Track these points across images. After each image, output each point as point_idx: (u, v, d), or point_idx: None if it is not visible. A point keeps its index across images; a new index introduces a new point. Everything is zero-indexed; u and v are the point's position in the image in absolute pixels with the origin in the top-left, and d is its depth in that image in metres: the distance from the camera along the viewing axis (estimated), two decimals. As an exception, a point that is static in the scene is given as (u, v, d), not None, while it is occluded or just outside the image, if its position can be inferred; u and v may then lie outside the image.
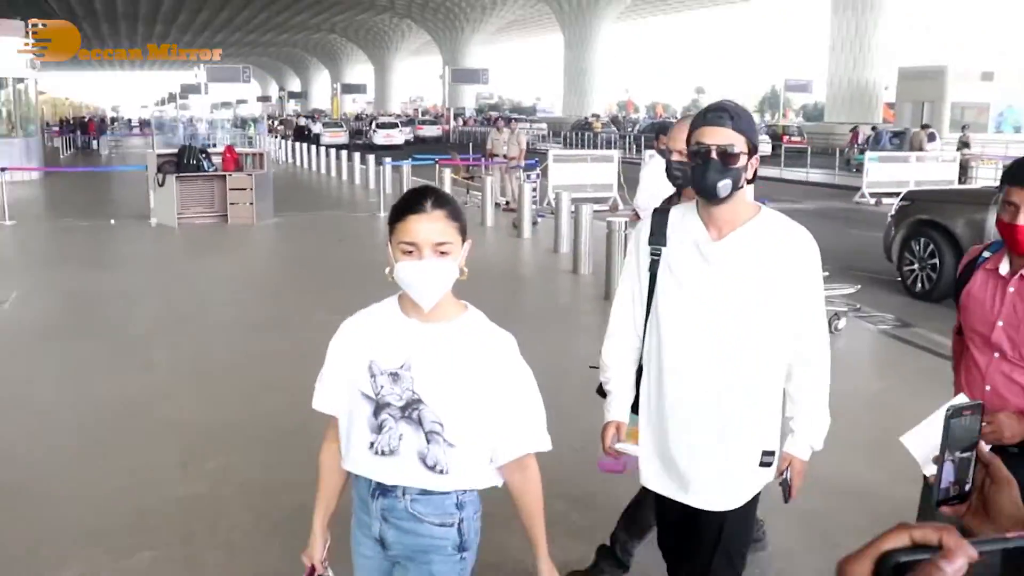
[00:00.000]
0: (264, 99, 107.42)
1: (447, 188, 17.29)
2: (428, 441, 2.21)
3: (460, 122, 58.53)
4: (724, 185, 2.57)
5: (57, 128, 46.09)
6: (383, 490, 2.26)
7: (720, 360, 2.70)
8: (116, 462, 5.15)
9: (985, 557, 0.61)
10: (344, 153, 26.29)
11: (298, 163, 31.82)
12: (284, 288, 10.29)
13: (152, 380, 6.65)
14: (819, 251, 2.71)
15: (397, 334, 2.24)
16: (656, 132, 9.83)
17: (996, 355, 2.90)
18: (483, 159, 20.44)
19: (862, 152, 24.67)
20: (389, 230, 2.19)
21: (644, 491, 3.24)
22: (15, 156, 22.54)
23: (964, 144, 26.34)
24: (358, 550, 2.39)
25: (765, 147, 32.63)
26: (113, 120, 67.57)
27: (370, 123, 50.37)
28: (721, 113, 2.59)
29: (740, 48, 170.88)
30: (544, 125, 53.89)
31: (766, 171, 14.94)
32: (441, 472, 2.22)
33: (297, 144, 34.36)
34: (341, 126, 51.55)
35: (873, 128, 33.93)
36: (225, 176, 15.78)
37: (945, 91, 37.82)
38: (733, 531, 2.90)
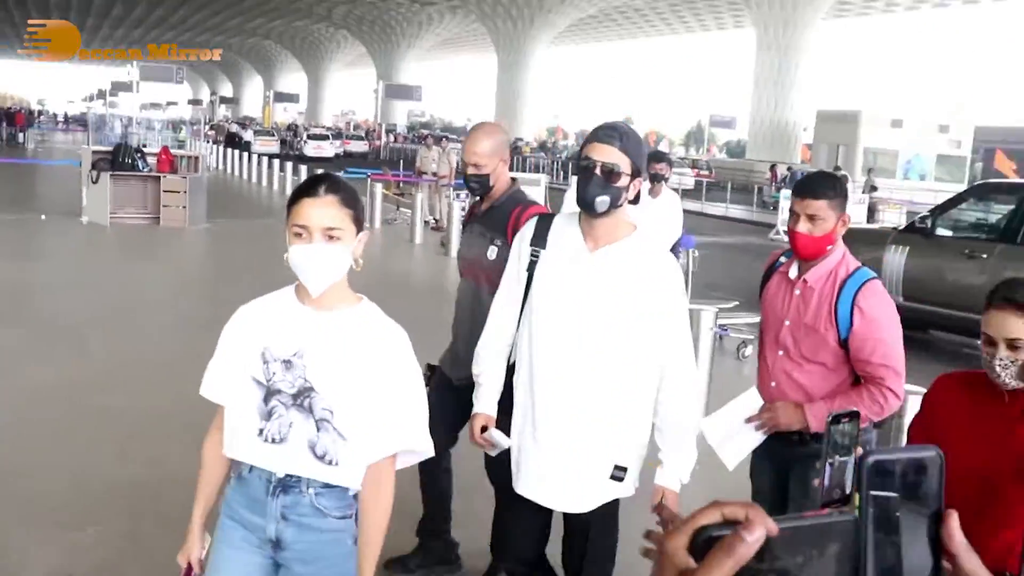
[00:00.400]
0: (195, 102, 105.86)
1: (378, 203, 17.66)
2: (318, 429, 2.18)
3: (391, 138, 58.74)
4: (602, 201, 2.73)
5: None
6: (284, 487, 2.22)
7: (582, 366, 2.83)
8: (54, 444, 5.37)
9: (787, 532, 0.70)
10: (276, 162, 26.41)
11: (229, 170, 31.80)
12: (215, 289, 10.36)
13: (84, 369, 6.86)
14: (683, 279, 2.97)
15: (291, 321, 2.23)
16: (650, 159, 9.74)
17: (781, 352, 3.22)
18: (413, 176, 20.82)
19: (779, 190, 25.74)
20: (286, 214, 2.21)
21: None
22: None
23: (872, 187, 27.62)
24: (231, 555, 2.30)
25: (688, 180, 33.76)
26: (39, 114, 66.17)
27: (300, 133, 50.44)
28: (612, 132, 2.77)
29: (669, 80, 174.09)
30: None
31: (689, 204, 15.66)
32: (331, 463, 2.19)
33: (228, 150, 34.30)
34: (273, 135, 51.35)
35: (789, 168, 35.14)
36: (160, 177, 15.90)
37: (858, 135, 39.18)
38: (595, 536, 3.10)
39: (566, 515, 3.11)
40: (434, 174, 19.14)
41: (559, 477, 2.92)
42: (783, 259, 3.32)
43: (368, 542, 2.24)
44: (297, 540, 2.24)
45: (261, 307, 2.32)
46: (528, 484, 2.99)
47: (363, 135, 57.97)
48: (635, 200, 2.86)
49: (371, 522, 2.24)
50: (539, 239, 2.96)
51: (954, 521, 0.73)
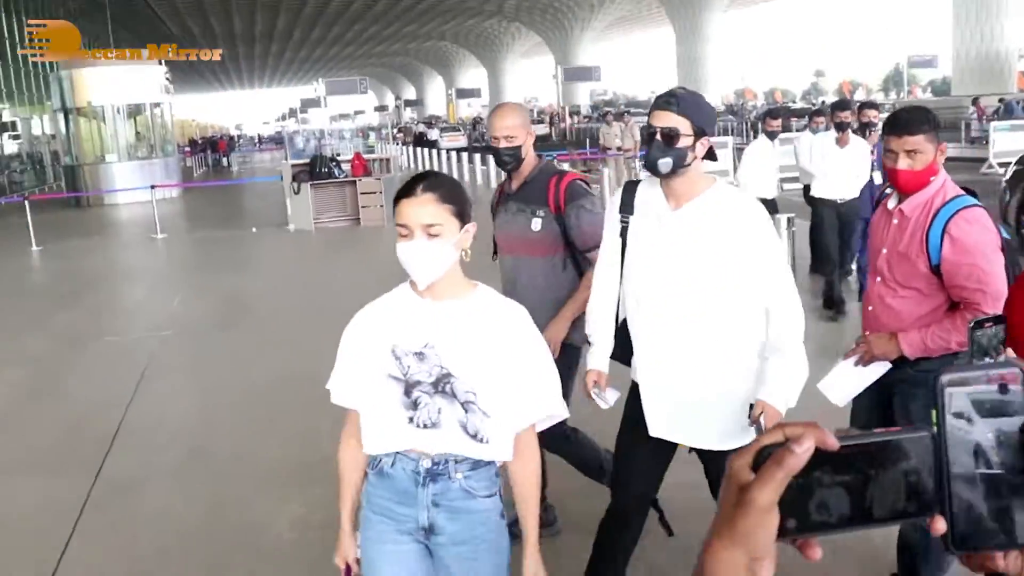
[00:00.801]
0: (381, 108, 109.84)
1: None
2: (465, 411, 2.27)
3: (575, 119, 58.96)
4: (665, 163, 2.87)
5: (188, 148, 48.67)
6: (433, 476, 2.29)
7: (686, 318, 2.96)
8: (280, 427, 5.92)
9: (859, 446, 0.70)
10: (464, 155, 27.04)
11: (420, 167, 32.84)
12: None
13: (301, 363, 7.31)
14: (769, 217, 3.02)
15: (414, 316, 2.31)
16: (764, 116, 10.36)
17: (878, 279, 3.32)
18: (598, 152, 20.86)
19: (989, 123, 24.06)
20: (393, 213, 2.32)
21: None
22: (157, 175, 24.17)
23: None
24: (387, 549, 2.38)
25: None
26: (238, 138, 70.79)
27: (475, 127, 51.44)
28: (670, 99, 2.90)
29: (860, 27, 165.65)
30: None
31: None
32: (483, 441, 2.28)
33: (417, 149, 35.43)
34: (459, 130, 52.66)
35: (1000, 100, 32.79)
36: (355, 181, 16.68)
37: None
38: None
39: (704, 455, 3.20)
40: (618, 148, 19.10)
41: (689, 416, 3.06)
42: (888, 191, 3.41)
43: (527, 505, 2.40)
44: (449, 524, 2.31)
45: (379, 308, 2.40)
46: (659, 424, 3.11)
47: (540, 119, 58.41)
48: (710, 156, 2.97)
49: (526, 487, 2.40)
50: (626, 206, 3.12)
51: None
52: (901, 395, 3.26)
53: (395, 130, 57.18)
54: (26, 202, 17.28)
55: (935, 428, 0.71)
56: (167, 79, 28.48)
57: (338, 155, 20.13)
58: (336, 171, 16.87)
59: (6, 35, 36.88)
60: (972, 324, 1.02)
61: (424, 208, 2.23)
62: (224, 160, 45.62)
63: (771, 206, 8.30)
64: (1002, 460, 0.71)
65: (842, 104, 8.63)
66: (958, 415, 0.71)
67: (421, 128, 55.56)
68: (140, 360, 7.80)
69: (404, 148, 39.26)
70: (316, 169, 16.72)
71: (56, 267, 14.63)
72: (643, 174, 3.18)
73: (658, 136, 2.88)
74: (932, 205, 3.17)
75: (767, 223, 2.97)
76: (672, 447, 3.18)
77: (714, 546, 0.71)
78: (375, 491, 2.38)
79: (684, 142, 2.87)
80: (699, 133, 2.89)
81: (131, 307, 11.08)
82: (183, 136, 62.19)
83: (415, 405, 2.27)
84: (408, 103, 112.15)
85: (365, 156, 19.18)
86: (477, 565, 2.36)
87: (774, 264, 2.98)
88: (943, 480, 0.71)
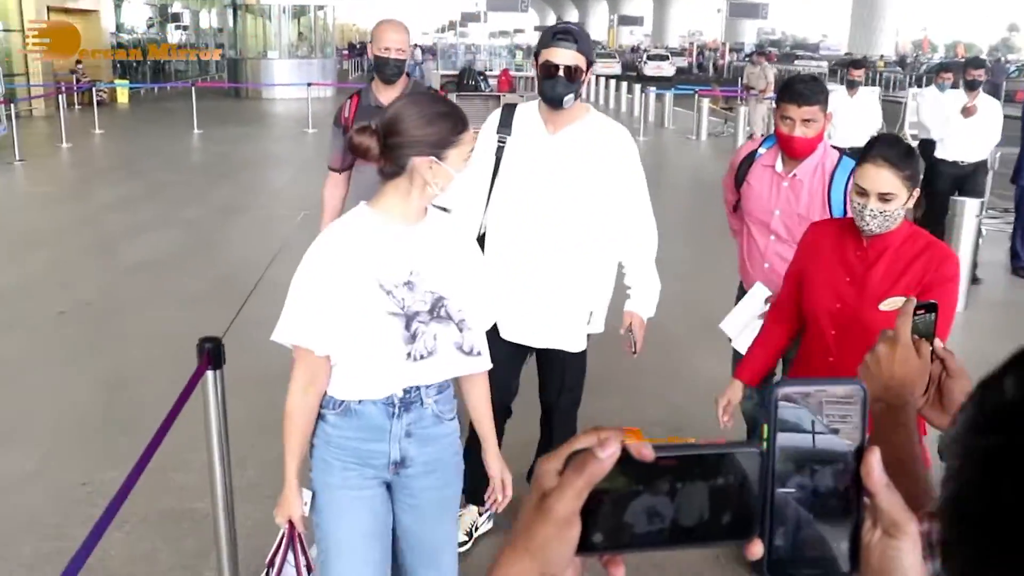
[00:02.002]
0: (541, 28, 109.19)
1: (704, 118, 17.92)
2: (460, 330, 2.28)
3: (735, 57, 57.65)
4: (569, 98, 3.11)
5: (346, 51, 49.99)
6: (406, 404, 2.26)
7: (551, 228, 3.21)
8: None
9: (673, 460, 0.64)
10: (613, 82, 27.18)
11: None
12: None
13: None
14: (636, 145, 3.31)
15: (389, 244, 2.22)
16: (937, 70, 10.08)
17: (772, 238, 3.48)
18: (741, 91, 20.73)
19: None
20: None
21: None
22: (314, 74, 25.30)
23: None
24: (348, 495, 2.30)
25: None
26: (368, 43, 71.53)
27: (641, 55, 51.10)
28: (567, 36, 3.11)
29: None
30: (824, 63, 51.99)
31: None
32: (479, 354, 2.33)
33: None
34: (613, 56, 52.33)
35: None
36: (500, 96, 17.26)
37: None
38: (573, 368, 3.49)
39: (545, 354, 3.45)
40: (751, 88, 18.95)
41: (544, 322, 3.31)
42: (761, 150, 3.54)
43: (485, 411, 2.49)
44: (420, 453, 2.31)
45: (343, 239, 2.22)
46: (513, 329, 3.33)
47: (679, 53, 57.53)
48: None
49: (483, 394, 2.48)
50: (504, 126, 3.29)
51: (874, 457, 0.68)
52: None
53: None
54: (192, 89, 18.74)
55: (764, 444, 0.67)
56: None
57: (488, 70, 20.70)
58: (483, 84, 17.49)
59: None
60: (917, 306, 1.24)
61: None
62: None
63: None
64: (829, 484, 0.68)
65: (975, 62, 8.38)
66: (790, 431, 0.67)
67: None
68: (281, 231, 8.71)
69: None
70: (464, 80, 17.39)
71: (215, 149, 15.83)
72: (529, 103, 3.34)
73: (560, 73, 3.07)
74: (824, 168, 3.39)
75: (634, 151, 3.29)
76: (525, 351, 3.45)
77: (506, 555, 0.67)
78: (337, 432, 2.26)
79: (582, 76, 3.11)
80: (589, 66, 3.17)
81: (278, 188, 12.05)
82: (343, 39, 63.75)
83: (413, 338, 2.21)
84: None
85: (514, 74, 19.65)
86: (446, 492, 2.43)
87: (638, 188, 3.30)
88: (766, 501, 0.66)
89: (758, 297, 3.46)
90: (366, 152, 2.18)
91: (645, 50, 58.73)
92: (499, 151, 3.27)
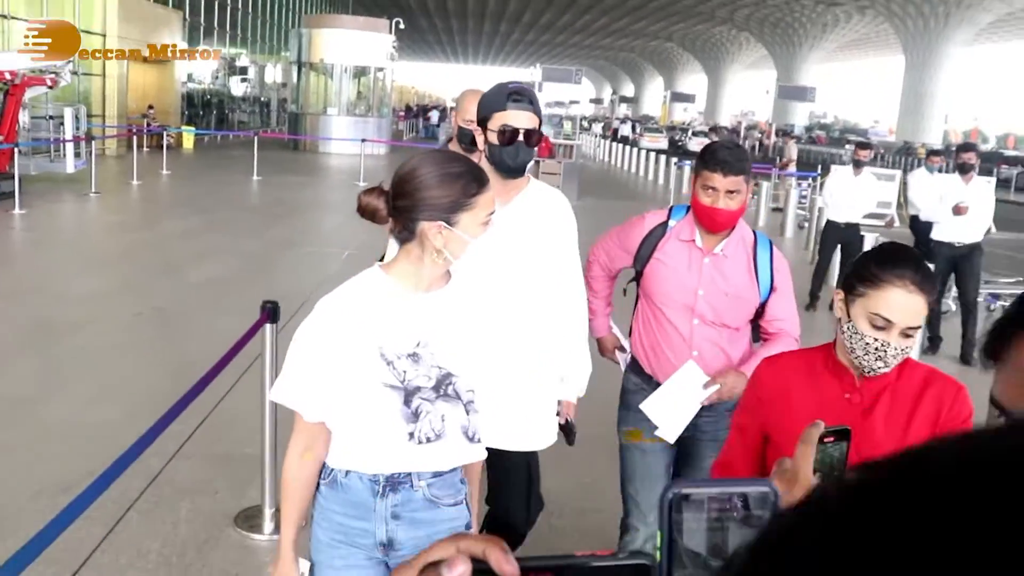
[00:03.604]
0: (596, 101, 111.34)
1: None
2: (467, 413, 2.08)
3: (779, 138, 58.89)
4: (528, 164, 2.94)
5: (403, 112, 52.13)
6: (394, 485, 2.07)
7: (513, 313, 2.81)
8: None
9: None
10: (653, 156, 28.26)
11: (613, 162, 34.36)
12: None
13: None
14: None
15: (397, 310, 2.06)
16: (927, 153, 10.73)
17: (696, 321, 3.11)
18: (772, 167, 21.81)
19: None
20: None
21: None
22: (369, 132, 26.84)
23: None
24: (342, 564, 2.14)
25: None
26: (451, 109, 74.21)
27: (686, 131, 52.63)
28: (520, 96, 2.87)
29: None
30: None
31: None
32: (478, 441, 2.12)
33: (613, 145, 37.04)
34: (661, 132, 53.84)
35: None
36: (539, 162, 18.45)
37: None
38: (534, 470, 3.25)
39: (499, 458, 2.82)
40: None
41: (515, 421, 2.87)
42: (672, 223, 3.20)
43: (474, 475, 2.26)
44: (410, 537, 2.09)
45: (348, 301, 2.08)
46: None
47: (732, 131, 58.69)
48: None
49: (474, 476, 2.25)
50: None
51: None
52: (693, 441, 3.20)
53: (603, 126, 59.12)
54: (255, 138, 20.30)
55: (658, 553, 0.59)
56: (393, 47, 31.23)
57: (531, 135, 21.94)
58: (524, 149, 18.73)
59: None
60: (822, 436, 1.09)
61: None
62: (433, 128, 48.68)
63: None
64: None
65: (967, 146, 8.87)
66: (689, 536, 0.61)
67: (616, 125, 57.34)
68: (328, 266, 9.82)
69: (601, 141, 40.84)
70: (506, 144, 18.63)
71: (272, 194, 17.16)
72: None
73: (520, 138, 2.84)
74: (744, 242, 3.15)
75: (573, 220, 3.10)
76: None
77: None
78: (327, 504, 2.12)
79: (537, 140, 2.91)
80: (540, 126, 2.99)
81: (328, 230, 13.25)
82: (400, 100, 66.07)
83: (416, 416, 2.03)
84: (624, 99, 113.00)
85: (555, 141, 20.88)
86: None
87: (573, 260, 3.10)
88: None
89: (694, 381, 3.09)
90: (373, 214, 2.05)
91: (690, 126, 60.29)
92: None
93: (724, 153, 3.02)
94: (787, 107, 68.99)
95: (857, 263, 2.04)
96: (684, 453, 3.26)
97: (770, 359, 2.29)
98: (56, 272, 9.58)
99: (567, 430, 3.11)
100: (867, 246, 9.73)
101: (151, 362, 6.39)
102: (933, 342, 8.21)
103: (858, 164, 9.76)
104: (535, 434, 2.97)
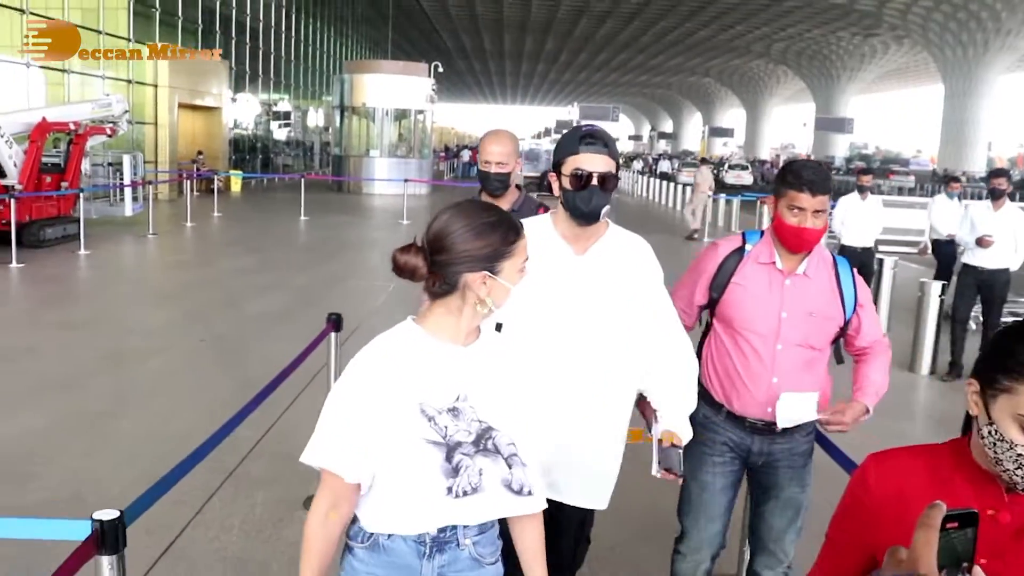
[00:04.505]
0: (635, 138, 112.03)
1: (765, 219, 19.34)
2: (510, 466, 2.05)
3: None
4: (606, 210, 2.77)
5: (443, 153, 53.29)
6: (440, 545, 2.04)
7: (587, 370, 2.79)
8: None
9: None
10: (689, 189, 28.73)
11: (649, 195, 34.91)
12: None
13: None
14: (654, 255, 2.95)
15: (437, 364, 2.03)
16: (946, 180, 11.03)
17: (780, 347, 3.04)
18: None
19: None
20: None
21: None
22: (411, 172, 27.79)
23: None
24: None
25: None
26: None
27: (722, 165, 53.16)
28: (597, 140, 2.75)
29: None
30: (912, 178, 53.15)
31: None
32: (529, 493, 2.07)
33: (649, 179, 37.69)
34: (697, 166, 54.38)
35: None
36: (574, 195, 19.16)
37: None
38: (590, 523, 3.17)
39: (561, 511, 2.88)
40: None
41: (576, 476, 2.86)
42: (748, 247, 3.15)
43: (537, 564, 2.18)
44: None
45: (386, 356, 2.04)
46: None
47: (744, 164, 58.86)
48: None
49: (536, 550, 2.19)
50: None
51: None
52: (791, 469, 3.17)
53: (640, 162, 59.95)
54: (302, 180, 21.22)
55: None
56: (433, 90, 32.13)
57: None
58: (560, 185, 19.44)
59: (297, 36, 42.14)
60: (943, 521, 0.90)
61: None
62: (473, 167, 49.73)
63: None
64: None
65: (998, 172, 8.89)
66: None
67: (652, 160, 58.24)
68: (375, 297, 10.46)
69: (639, 177, 41.45)
70: (543, 182, 19.27)
71: (319, 233, 17.90)
72: (537, 219, 2.91)
73: (595, 181, 2.72)
74: (826, 261, 3.13)
75: (658, 266, 2.93)
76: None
77: None
78: (364, 568, 2.06)
79: (614, 184, 2.79)
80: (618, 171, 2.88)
81: (374, 265, 13.83)
82: (440, 141, 67.37)
83: (456, 471, 1.99)
84: (663, 135, 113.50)
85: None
86: None
87: (667, 304, 2.94)
88: None
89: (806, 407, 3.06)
90: (413, 272, 2.01)
91: (726, 160, 60.85)
92: None
93: (810, 173, 2.99)
94: (827, 138, 69.07)
95: (995, 347, 1.53)
96: (758, 482, 3.23)
97: (879, 457, 1.70)
98: (124, 306, 10.33)
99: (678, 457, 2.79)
100: (886, 270, 10.13)
101: (217, 382, 7.00)
102: (954, 368, 8.37)
103: (862, 189, 10.12)
104: (595, 492, 2.92)
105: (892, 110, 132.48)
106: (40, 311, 9.88)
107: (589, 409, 2.81)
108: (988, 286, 8.47)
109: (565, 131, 3.02)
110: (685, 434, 2.80)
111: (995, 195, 8.40)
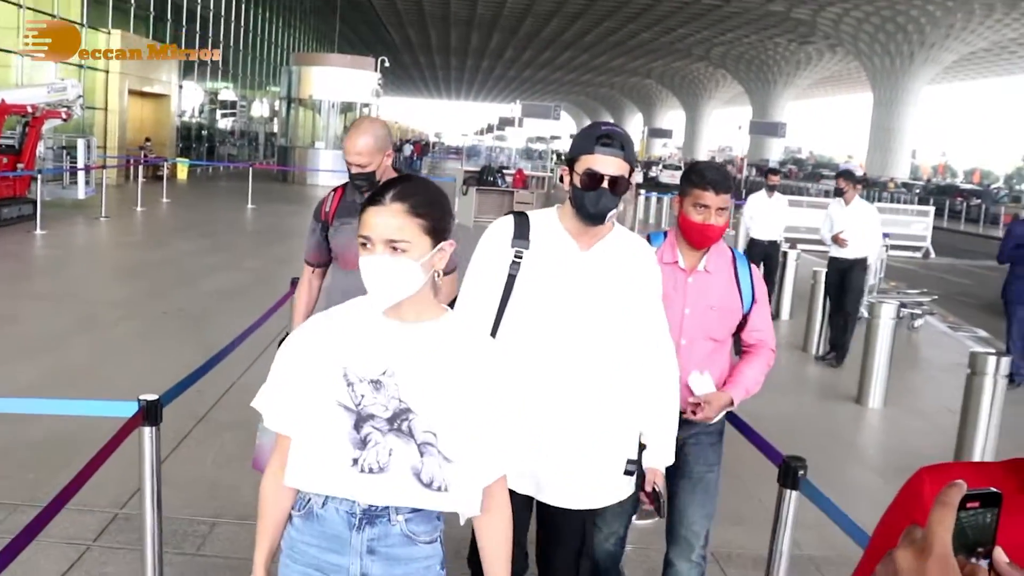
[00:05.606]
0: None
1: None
2: (421, 454, 1.97)
3: (753, 172, 60.86)
4: (613, 212, 2.72)
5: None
6: (371, 518, 2.00)
7: (586, 367, 2.77)
8: None
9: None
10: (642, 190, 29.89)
11: (587, 192, 36.05)
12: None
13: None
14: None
15: (372, 336, 2.00)
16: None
17: (684, 341, 3.15)
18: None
19: None
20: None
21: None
22: (352, 166, 28.45)
23: None
24: None
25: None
26: (435, 145, 76.16)
27: (659, 165, 55.00)
28: (613, 142, 2.67)
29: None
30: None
31: None
32: (440, 490, 1.99)
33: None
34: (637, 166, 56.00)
35: None
36: (513, 192, 20.07)
37: None
38: (590, 529, 3.08)
39: (561, 514, 2.90)
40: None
41: (576, 478, 2.84)
42: (653, 249, 3.12)
43: (496, 565, 2.11)
44: (387, 573, 2.05)
45: (331, 322, 2.06)
46: (524, 480, 2.80)
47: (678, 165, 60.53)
48: None
49: (495, 546, 2.11)
50: (520, 238, 2.81)
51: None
52: (697, 446, 3.29)
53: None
54: (250, 170, 22.12)
55: None
56: (379, 84, 32.91)
57: (505, 168, 23.60)
58: (500, 181, 20.35)
59: (247, 27, 42.56)
60: (960, 503, 0.81)
61: (389, 219, 1.92)
62: (418, 162, 50.41)
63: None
64: None
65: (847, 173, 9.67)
66: None
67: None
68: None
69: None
70: (483, 176, 20.26)
71: (267, 220, 18.71)
72: (542, 211, 2.93)
73: (605, 184, 2.66)
74: (725, 256, 3.25)
75: (658, 272, 2.91)
76: (531, 503, 2.91)
77: None
78: (299, 536, 2.07)
79: (626, 188, 2.70)
80: (632, 175, 2.78)
81: (319, 252, 14.69)
82: (385, 135, 67.76)
83: (364, 443, 1.97)
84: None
85: (530, 173, 22.55)
86: None
87: (660, 316, 2.91)
88: None
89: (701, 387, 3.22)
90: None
91: (662, 160, 62.60)
92: (514, 266, 2.79)
93: (713, 173, 3.15)
94: (762, 142, 70.69)
95: None
96: (669, 467, 3.10)
97: (934, 471, 1.48)
98: (87, 281, 11.14)
99: (656, 500, 2.88)
100: (790, 261, 11.28)
101: (185, 344, 7.81)
102: (839, 351, 9.21)
103: (771, 188, 11.06)
104: (595, 494, 2.89)
105: (826, 116, 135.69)
106: (9, 284, 10.62)
107: (587, 403, 2.80)
108: (847, 275, 9.31)
109: (581, 128, 3.14)
110: (669, 460, 2.93)
111: (839, 193, 9.50)
